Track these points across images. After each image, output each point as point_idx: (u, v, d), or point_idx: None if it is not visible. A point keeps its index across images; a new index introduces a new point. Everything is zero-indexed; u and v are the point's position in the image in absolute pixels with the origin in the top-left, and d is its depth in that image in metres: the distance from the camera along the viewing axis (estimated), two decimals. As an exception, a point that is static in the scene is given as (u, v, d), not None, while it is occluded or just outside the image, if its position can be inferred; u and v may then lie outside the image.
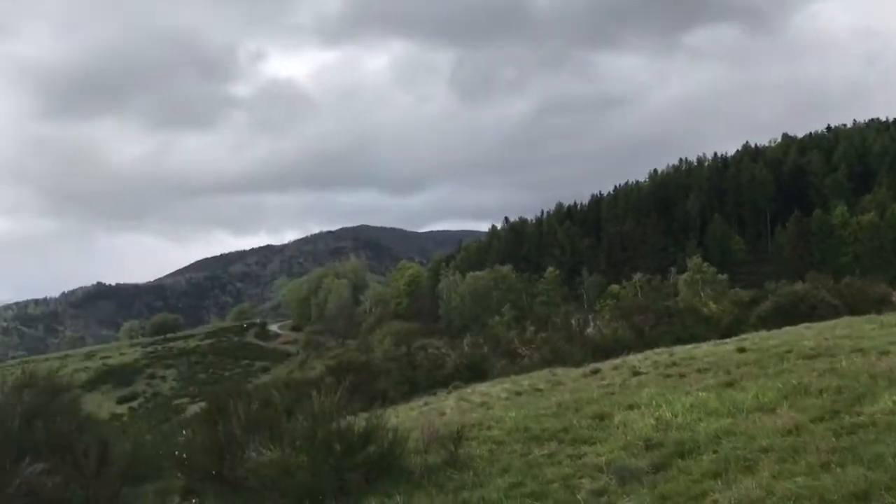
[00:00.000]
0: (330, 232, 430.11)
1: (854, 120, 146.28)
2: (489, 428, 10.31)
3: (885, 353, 10.64)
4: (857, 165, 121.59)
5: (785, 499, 5.20)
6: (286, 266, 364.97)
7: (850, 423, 6.92)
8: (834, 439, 6.48)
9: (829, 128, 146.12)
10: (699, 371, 12.48)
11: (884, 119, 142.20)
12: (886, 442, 6.09)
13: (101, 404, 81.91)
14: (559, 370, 19.87)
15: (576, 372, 17.80)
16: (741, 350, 14.22)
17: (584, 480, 6.87)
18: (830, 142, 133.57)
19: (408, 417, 15.57)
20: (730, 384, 10.30)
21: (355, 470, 7.97)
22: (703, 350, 15.80)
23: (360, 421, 8.69)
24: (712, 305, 31.97)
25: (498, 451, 8.76)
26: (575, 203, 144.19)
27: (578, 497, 6.33)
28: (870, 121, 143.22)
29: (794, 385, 8.98)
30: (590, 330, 28.97)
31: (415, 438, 8.95)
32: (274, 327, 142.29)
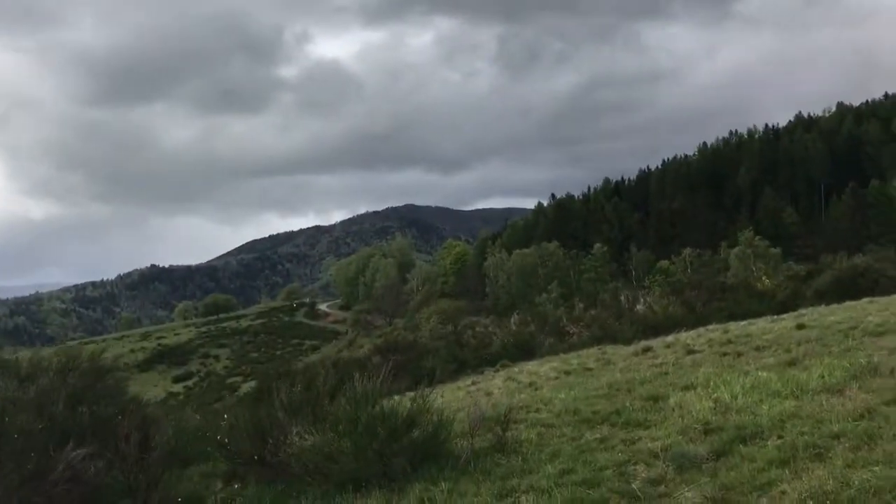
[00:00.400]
0: (376, 212, 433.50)
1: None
2: (538, 410, 9.99)
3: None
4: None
5: (863, 491, 4.76)
6: (334, 246, 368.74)
7: (933, 407, 6.42)
8: (913, 426, 6.00)
9: (886, 95, 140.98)
10: (757, 349, 11.95)
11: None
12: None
13: (157, 384, 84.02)
14: (609, 348, 19.47)
15: (626, 350, 17.35)
16: (801, 326, 13.60)
17: (638, 467, 6.50)
18: (888, 110, 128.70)
19: (455, 398, 15.35)
20: (791, 363, 9.80)
21: (399, 455, 7.72)
22: (760, 327, 15.20)
23: (404, 403, 8.43)
24: (766, 280, 31.02)
25: (547, 435, 8.43)
26: (623, 178, 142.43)
27: (633, 486, 5.96)
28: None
29: (862, 364, 8.45)
30: (639, 307, 28.35)
31: (461, 421, 8.65)
32: (323, 307, 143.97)
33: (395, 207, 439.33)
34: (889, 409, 6.56)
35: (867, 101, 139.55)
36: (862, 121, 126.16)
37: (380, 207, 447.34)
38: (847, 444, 5.81)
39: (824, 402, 7.23)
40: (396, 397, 11.00)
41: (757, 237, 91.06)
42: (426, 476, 7.46)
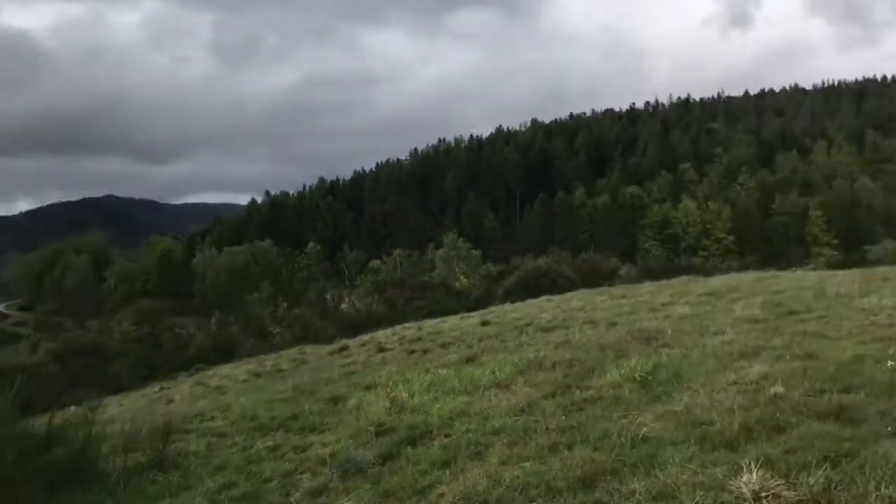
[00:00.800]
0: (70, 202, 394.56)
1: (592, 109, 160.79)
2: (213, 418, 9.24)
3: (613, 324, 10.98)
4: (595, 152, 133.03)
5: (511, 489, 4.76)
6: (16, 240, 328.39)
7: (579, 399, 6.78)
8: (563, 417, 6.26)
9: (571, 115, 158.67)
10: (443, 346, 12.24)
11: (617, 110, 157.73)
12: (612, 417, 5.94)
13: None
14: (309, 348, 19.18)
15: (324, 350, 17.13)
16: (485, 323, 14.24)
17: (304, 476, 6.09)
18: (573, 129, 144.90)
19: (134, 407, 14.04)
20: (471, 359, 10.08)
21: (33, 479, 6.58)
22: (450, 324, 15.74)
23: (41, 420, 7.25)
24: (464, 280, 32.79)
25: (217, 446, 7.74)
26: (338, 178, 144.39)
27: (292, 499, 5.54)
28: (606, 111, 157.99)
29: (530, 359, 8.87)
30: (344, 305, 28.43)
31: (119, 435, 7.66)
32: (0, 307, 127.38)
33: (94, 198, 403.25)
34: (547, 403, 6.83)
35: (556, 119, 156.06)
36: (551, 137, 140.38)
37: (75, 198, 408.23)
38: (505, 440, 5.88)
39: (492, 398, 7.40)
40: (73, 408, 9.67)
41: (460, 240, 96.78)
42: (67, 501, 6.43)
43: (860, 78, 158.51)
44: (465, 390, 7.92)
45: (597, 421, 5.95)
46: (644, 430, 5.41)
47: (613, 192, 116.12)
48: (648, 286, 18.05)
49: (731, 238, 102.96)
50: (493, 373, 8.46)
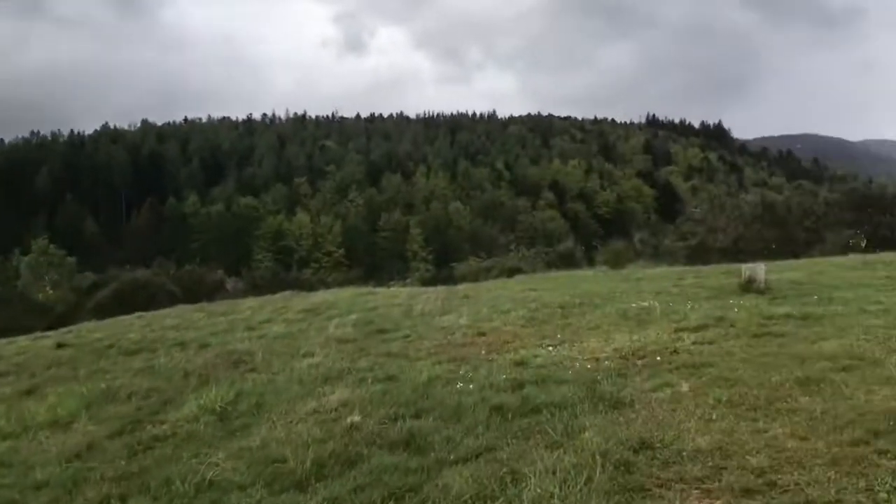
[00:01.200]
0: None
1: (208, 115, 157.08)
2: None
3: (205, 345, 10.37)
4: (210, 159, 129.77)
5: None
6: None
7: (150, 436, 6.10)
8: (126, 461, 5.53)
9: (186, 119, 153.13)
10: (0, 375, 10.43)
11: (234, 118, 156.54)
12: (182, 458, 5.39)
13: None
14: None
15: None
16: (61, 345, 12.52)
17: None
18: (186, 133, 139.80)
19: None
20: (31, 391, 8.70)
21: None
22: (17, 346, 13.58)
23: None
24: (49, 291, 29.19)
25: None
26: None
27: None
28: (222, 118, 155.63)
29: (102, 389, 7.89)
30: None
31: None
32: None
33: None
34: (111, 443, 6.03)
35: (169, 122, 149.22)
36: (164, 140, 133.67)
37: None
38: (48, 497, 4.99)
39: (45, 440, 6.35)
40: None
41: (52, 245, 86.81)
42: None
43: (455, 112, 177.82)
44: (13, 433, 6.71)
45: (164, 464, 5.34)
46: (214, 472, 4.97)
47: (228, 201, 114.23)
48: (251, 301, 17.64)
49: (342, 251, 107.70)
50: (54, 408, 7.32)
